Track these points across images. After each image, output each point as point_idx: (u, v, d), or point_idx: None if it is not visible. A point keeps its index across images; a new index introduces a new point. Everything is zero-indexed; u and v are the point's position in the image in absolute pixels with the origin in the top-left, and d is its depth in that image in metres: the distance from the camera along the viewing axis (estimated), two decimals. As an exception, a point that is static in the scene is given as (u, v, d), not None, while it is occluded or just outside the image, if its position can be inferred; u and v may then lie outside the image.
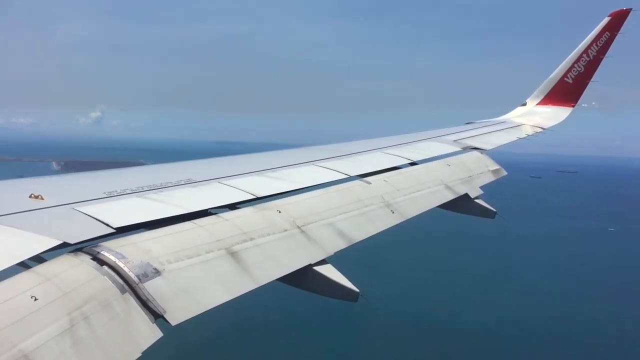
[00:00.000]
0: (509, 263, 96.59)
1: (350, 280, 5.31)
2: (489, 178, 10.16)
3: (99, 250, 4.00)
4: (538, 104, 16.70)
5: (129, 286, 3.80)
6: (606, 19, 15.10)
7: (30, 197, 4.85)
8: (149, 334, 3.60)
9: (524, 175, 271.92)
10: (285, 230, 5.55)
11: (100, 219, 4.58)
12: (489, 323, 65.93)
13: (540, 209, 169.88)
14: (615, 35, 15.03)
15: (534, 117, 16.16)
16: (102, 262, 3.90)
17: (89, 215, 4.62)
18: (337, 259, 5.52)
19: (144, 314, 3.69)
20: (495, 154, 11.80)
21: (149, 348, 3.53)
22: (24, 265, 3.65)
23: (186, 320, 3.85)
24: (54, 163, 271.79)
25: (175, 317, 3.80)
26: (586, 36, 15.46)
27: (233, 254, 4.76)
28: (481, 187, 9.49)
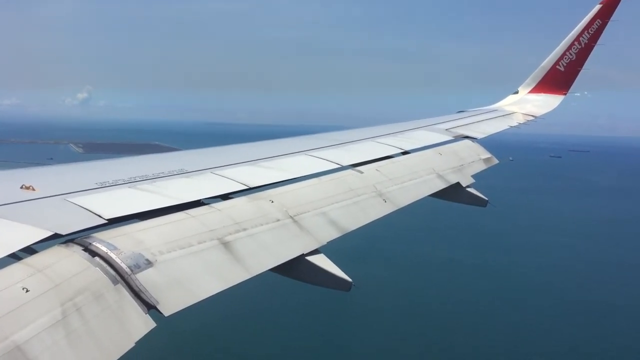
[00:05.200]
0: (608, 250, 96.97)
1: (343, 270, 5.32)
2: (481, 167, 10.20)
3: (90, 242, 3.98)
4: (530, 92, 16.75)
5: (121, 277, 3.79)
6: (597, 7, 15.11)
7: (21, 187, 4.82)
8: (142, 324, 3.61)
9: (544, 156, 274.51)
10: (278, 220, 5.55)
11: (92, 209, 4.56)
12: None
13: (592, 189, 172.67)
14: (607, 22, 15.05)
15: (526, 105, 16.21)
16: (94, 253, 3.89)
17: (80, 206, 4.60)
18: (329, 249, 5.53)
19: (136, 304, 3.69)
20: (487, 139, 11.89)
21: (141, 339, 3.53)
22: (15, 257, 3.64)
23: (179, 311, 3.86)
24: (71, 145, 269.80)
25: (168, 308, 3.80)
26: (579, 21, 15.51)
27: (226, 244, 4.76)
28: (473, 176, 9.53)
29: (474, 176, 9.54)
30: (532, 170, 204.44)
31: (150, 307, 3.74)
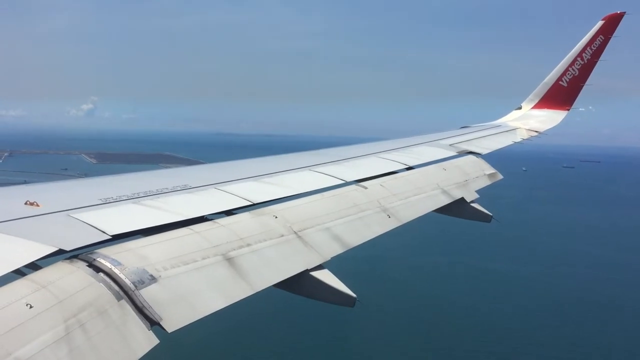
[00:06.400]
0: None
1: (347, 285, 5.30)
2: (485, 182, 10.17)
3: (94, 257, 3.98)
4: (533, 107, 16.76)
5: (125, 293, 3.78)
6: (600, 23, 15.16)
7: (25, 204, 4.83)
8: (145, 341, 3.59)
9: (556, 166, 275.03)
10: (282, 235, 5.54)
11: (96, 225, 4.56)
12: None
13: (612, 198, 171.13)
14: (609, 38, 15.09)
15: (529, 120, 16.22)
16: (98, 269, 3.88)
17: (84, 222, 4.60)
18: (333, 264, 5.51)
19: (140, 321, 3.68)
20: (494, 152, 11.90)
21: (145, 355, 3.51)
22: (19, 273, 3.63)
23: (182, 327, 3.84)
24: (84, 155, 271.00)
25: (171, 324, 3.78)
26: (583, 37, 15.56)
27: (229, 260, 4.74)
28: (477, 191, 9.50)
29: (478, 191, 9.53)
30: (548, 181, 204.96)
31: (153, 324, 3.72)
